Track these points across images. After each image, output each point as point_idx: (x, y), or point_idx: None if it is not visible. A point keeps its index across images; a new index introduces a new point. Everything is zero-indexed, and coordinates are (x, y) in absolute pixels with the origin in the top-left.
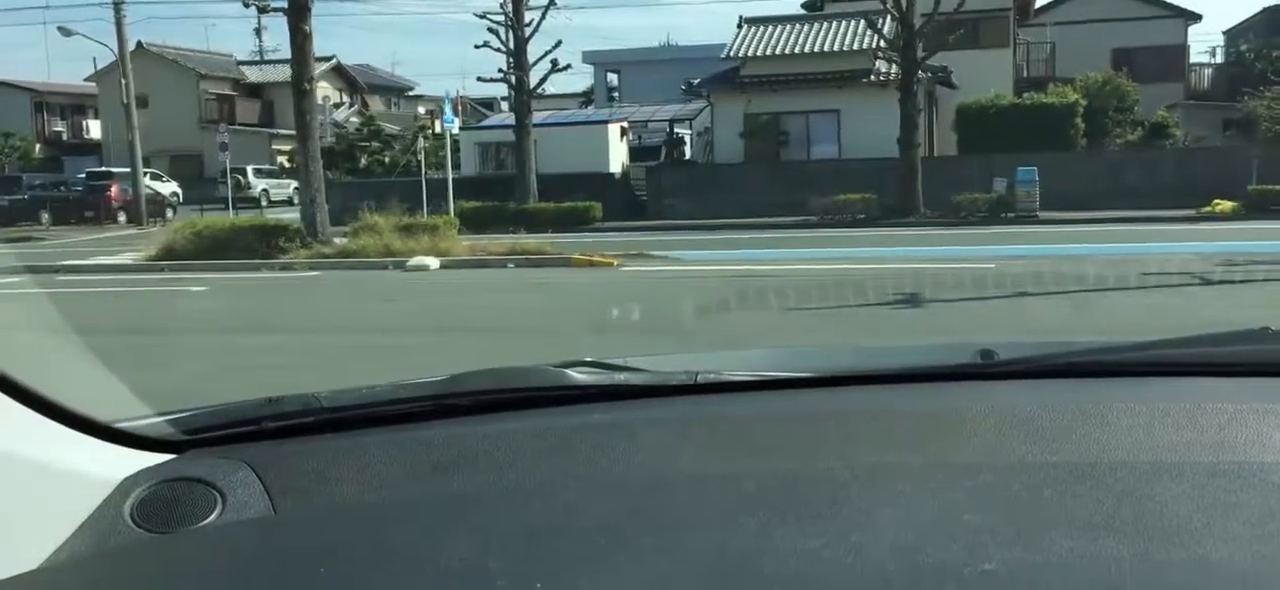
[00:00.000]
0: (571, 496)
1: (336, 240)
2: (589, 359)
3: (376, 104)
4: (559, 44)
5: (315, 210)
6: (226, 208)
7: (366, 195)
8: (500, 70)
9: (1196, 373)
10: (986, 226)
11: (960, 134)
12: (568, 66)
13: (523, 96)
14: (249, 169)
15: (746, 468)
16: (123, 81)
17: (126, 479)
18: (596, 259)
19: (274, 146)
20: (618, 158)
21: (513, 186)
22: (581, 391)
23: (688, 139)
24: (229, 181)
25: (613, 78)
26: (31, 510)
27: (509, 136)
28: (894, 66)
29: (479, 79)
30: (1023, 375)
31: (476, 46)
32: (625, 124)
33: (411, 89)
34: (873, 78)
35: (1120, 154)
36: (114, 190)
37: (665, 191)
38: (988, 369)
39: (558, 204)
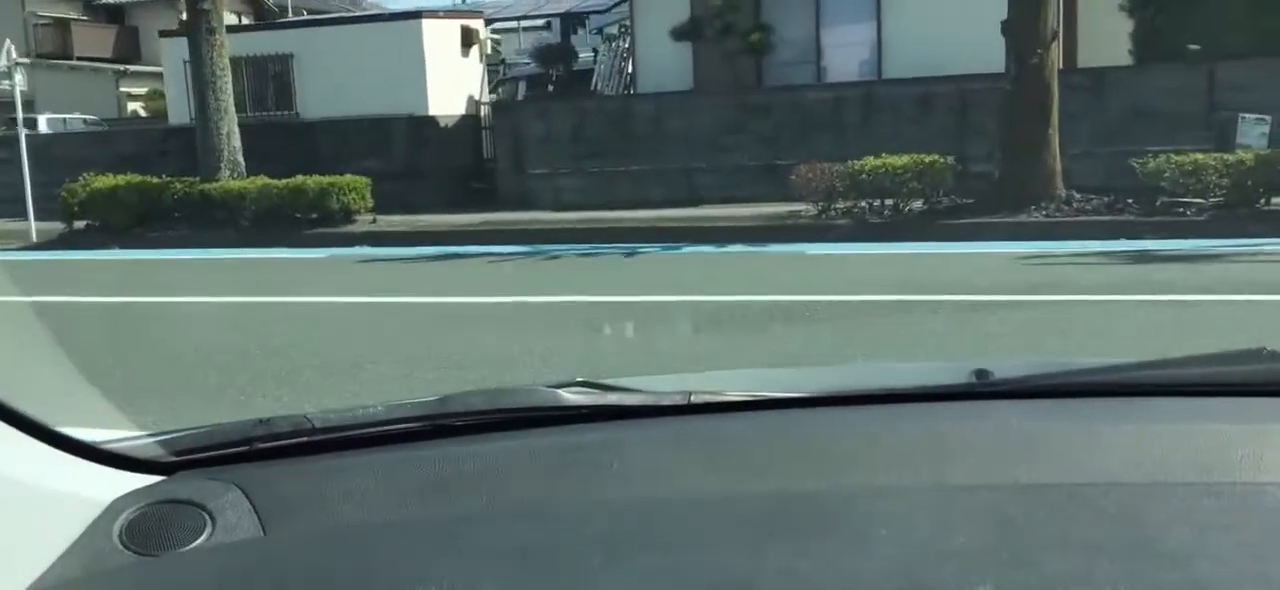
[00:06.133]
0: (564, 517)
1: None
2: (582, 379)
3: None
4: None
5: None
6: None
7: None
8: None
9: (1191, 393)
10: (1260, 239)
11: (1140, 18)
12: None
13: None
14: (41, 118)
15: (741, 488)
16: None
17: (116, 500)
18: None
19: (123, 89)
20: (455, 90)
21: (282, 141)
22: (575, 412)
23: (601, 55)
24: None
25: None
26: (20, 532)
27: (269, 47)
28: None
29: None
30: (1017, 395)
31: None
32: (478, 26)
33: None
34: None
35: None
36: None
37: (531, 154)
38: (983, 389)
39: (280, 184)
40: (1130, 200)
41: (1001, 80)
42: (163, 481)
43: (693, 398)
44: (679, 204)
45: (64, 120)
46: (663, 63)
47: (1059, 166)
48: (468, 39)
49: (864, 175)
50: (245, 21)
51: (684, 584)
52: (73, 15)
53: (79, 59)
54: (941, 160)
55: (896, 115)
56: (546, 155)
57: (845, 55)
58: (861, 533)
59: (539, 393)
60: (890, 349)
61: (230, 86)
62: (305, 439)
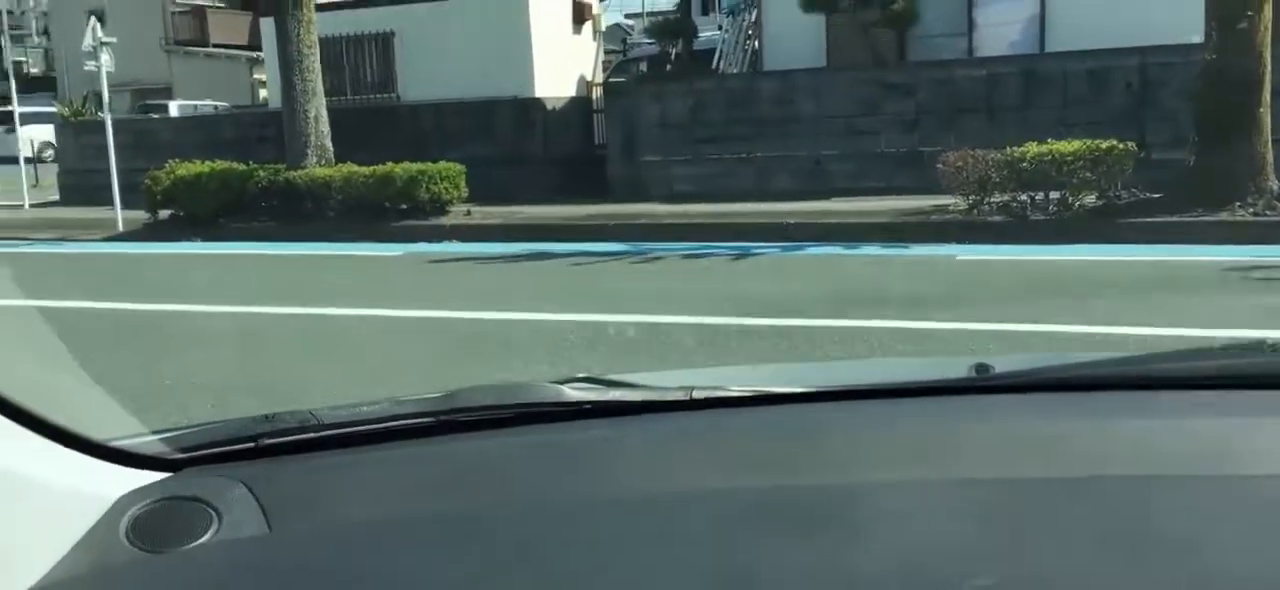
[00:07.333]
0: (568, 513)
1: None
2: (583, 375)
3: None
4: None
5: None
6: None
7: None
8: None
9: (1193, 386)
10: None
11: None
12: None
13: None
14: (173, 104)
15: (743, 483)
16: None
17: (122, 497)
18: None
19: (256, 76)
20: (565, 70)
21: (383, 126)
22: (578, 408)
23: (725, 30)
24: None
25: None
26: (26, 529)
27: (369, 24)
28: None
29: None
30: (1018, 389)
31: None
32: (592, 0)
33: None
34: None
35: None
36: None
37: (643, 139)
38: (983, 383)
39: (365, 171)
40: None
41: (1196, 52)
42: (169, 478)
43: (695, 393)
44: (806, 196)
45: (195, 106)
46: (792, 37)
47: (1270, 155)
48: (580, 15)
49: (1025, 164)
50: None
51: (687, 578)
52: (209, 3)
53: (215, 46)
54: (1121, 146)
55: (1062, 95)
56: (661, 141)
57: (1001, 26)
58: (863, 527)
59: (543, 389)
60: None
61: (318, 66)
62: (311, 435)
